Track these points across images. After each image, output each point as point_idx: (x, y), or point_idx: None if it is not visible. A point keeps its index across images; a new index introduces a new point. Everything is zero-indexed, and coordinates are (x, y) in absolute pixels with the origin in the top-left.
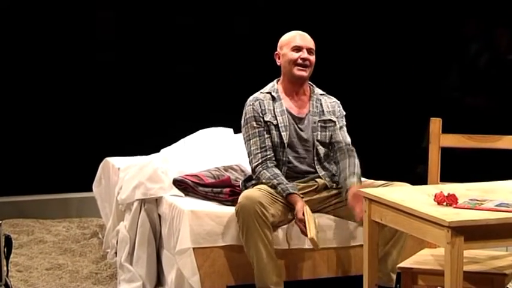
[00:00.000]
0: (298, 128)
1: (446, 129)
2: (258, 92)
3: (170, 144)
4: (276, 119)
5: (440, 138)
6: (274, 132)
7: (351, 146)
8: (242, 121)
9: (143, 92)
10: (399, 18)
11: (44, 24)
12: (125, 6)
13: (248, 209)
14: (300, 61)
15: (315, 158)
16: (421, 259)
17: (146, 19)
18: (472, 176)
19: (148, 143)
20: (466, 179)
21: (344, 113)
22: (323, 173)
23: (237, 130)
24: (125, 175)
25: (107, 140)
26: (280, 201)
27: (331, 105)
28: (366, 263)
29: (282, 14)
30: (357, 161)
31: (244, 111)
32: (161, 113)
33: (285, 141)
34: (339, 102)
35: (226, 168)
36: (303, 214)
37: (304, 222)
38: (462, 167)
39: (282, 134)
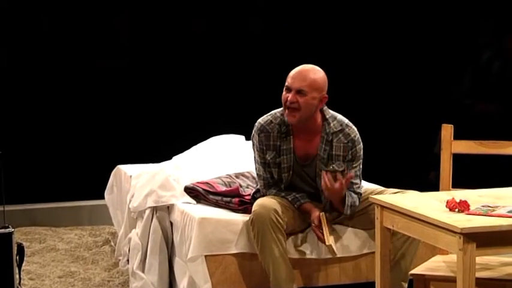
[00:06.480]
0: (303, 171)
1: (458, 135)
2: (270, 118)
3: (182, 151)
4: (280, 157)
5: (452, 145)
6: (274, 169)
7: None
8: (251, 138)
9: (155, 99)
10: (411, 25)
11: (57, 31)
12: (139, 13)
13: (263, 216)
14: (287, 103)
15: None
16: (433, 266)
17: (158, 27)
18: (484, 182)
19: (160, 150)
20: (478, 185)
21: (360, 155)
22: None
23: (248, 137)
24: (137, 183)
25: (119, 148)
26: (292, 210)
27: (343, 147)
28: (378, 270)
29: (296, 23)
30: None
31: (252, 132)
32: (173, 120)
33: (284, 181)
34: (357, 138)
35: (237, 175)
36: (320, 221)
37: (321, 230)
38: (474, 173)
39: (283, 175)
